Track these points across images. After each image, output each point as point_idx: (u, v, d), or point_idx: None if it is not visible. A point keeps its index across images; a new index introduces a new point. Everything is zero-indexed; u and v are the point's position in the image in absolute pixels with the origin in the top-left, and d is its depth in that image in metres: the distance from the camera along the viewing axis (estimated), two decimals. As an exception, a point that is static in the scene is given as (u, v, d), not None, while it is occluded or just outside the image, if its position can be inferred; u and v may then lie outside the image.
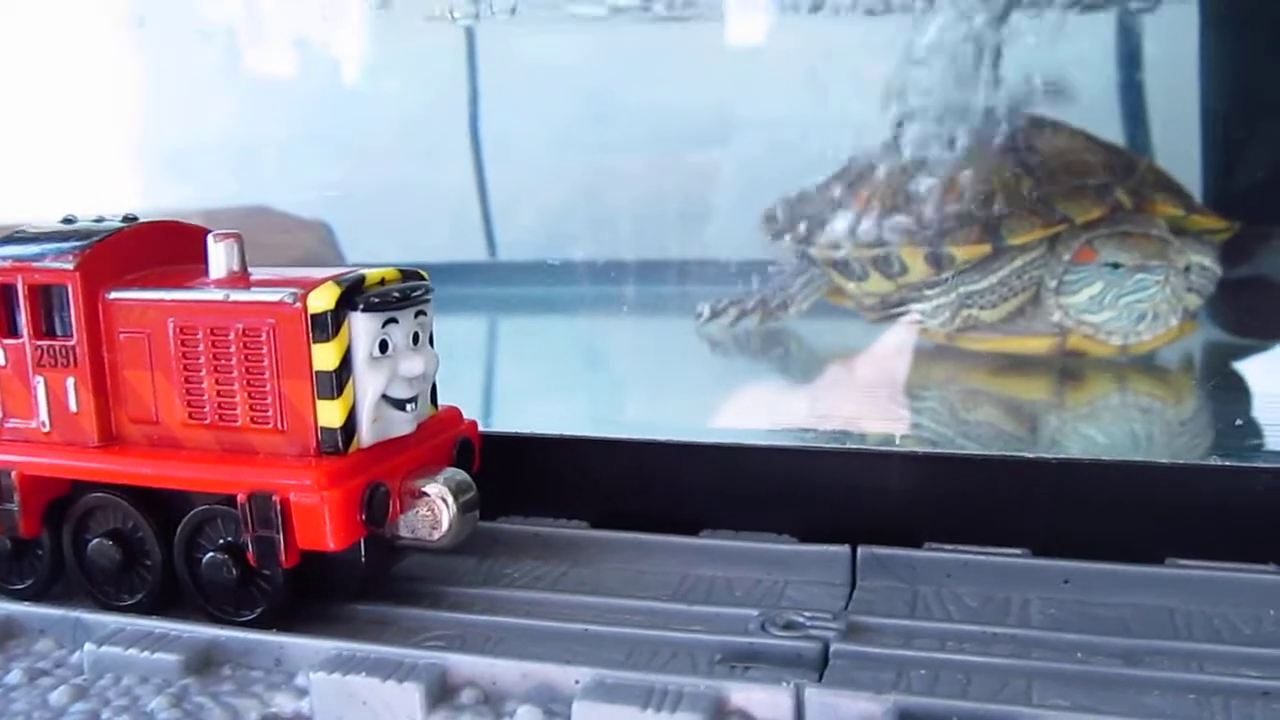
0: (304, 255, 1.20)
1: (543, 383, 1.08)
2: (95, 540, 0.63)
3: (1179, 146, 1.03)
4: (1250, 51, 1.01)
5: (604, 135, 1.20)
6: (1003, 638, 0.59)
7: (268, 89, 1.29)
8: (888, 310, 1.02)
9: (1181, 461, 0.67)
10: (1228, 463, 0.68)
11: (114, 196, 1.27)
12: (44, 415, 0.63)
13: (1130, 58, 1.05)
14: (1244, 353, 0.99)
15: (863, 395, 0.98)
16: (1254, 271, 0.98)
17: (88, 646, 0.59)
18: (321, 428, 0.59)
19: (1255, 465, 0.67)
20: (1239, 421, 0.86)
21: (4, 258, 0.63)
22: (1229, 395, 0.94)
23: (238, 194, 1.24)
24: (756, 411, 0.98)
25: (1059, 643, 0.58)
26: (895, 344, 1.02)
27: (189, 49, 1.27)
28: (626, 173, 1.23)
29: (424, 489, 0.61)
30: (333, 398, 0.58)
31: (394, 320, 0.60)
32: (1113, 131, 1.04)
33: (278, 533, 0.58)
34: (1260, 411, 0.89)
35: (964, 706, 0.51)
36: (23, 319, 0.63)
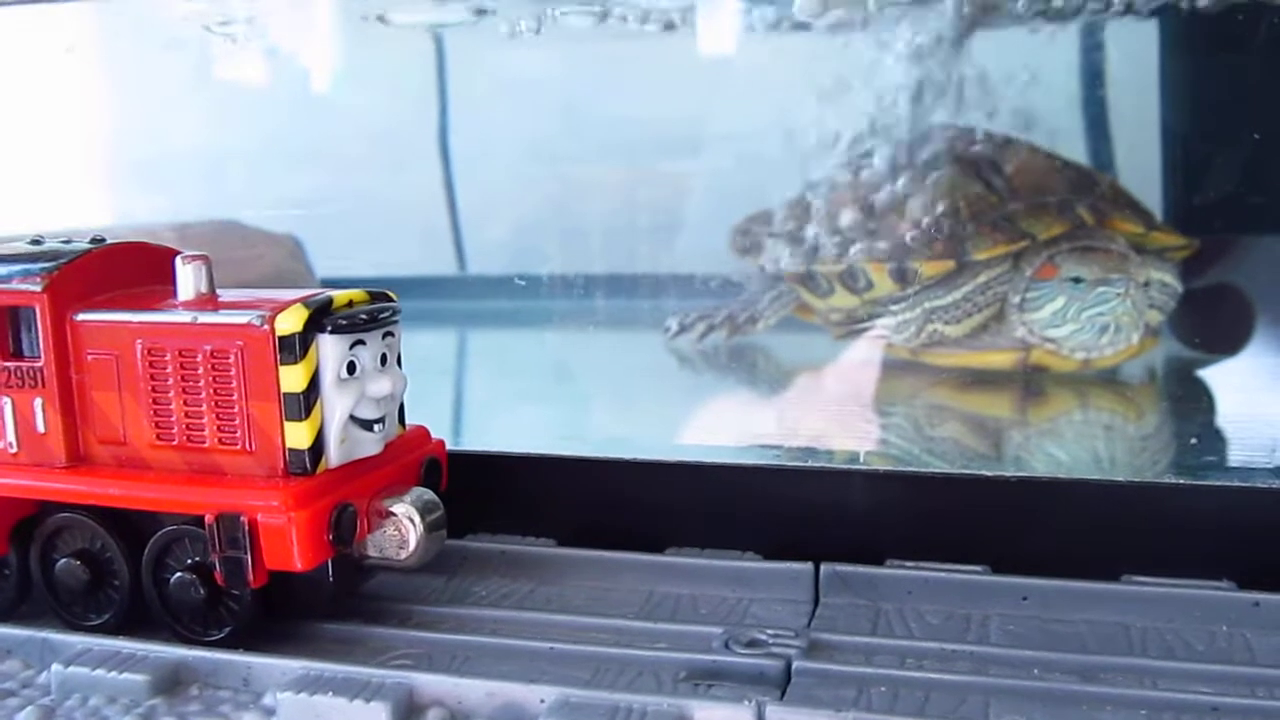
0: (273, 270, 1.20)
1: (511, 397, 1.09)
2: (63, 560, 0.63)
3: (1141, 164, 1.05)
4: (1209, 70, 1.03)
5: (574, 147, 1.21)
6: (962, 654, 0.60)
7: (237, 99, 1.29)
8: (854, 325, 1.03)
9: (1138, 480, 0.68)
10: (1183, 481, 0.69)
11: (83, 209, 1.27)
12: (11, 436, 0.63)
13: (1093, 75, 1.07)
14: (1202, 367, 1.00)
15: (829, 411, 0.99)
16: (1214, 281, 0.99)
17: (55, 667, 0.59)
18: (289, 449, 0.59)
19: (1210, 483, 0.68)
20: (1194, 440, 0.88)
21: (-29, 280, 0.64)
22: (1187, 411, 0.95)
23: (208, 206, 1.24)
24: (723, 427, 0.98)
25: (1017, 659, 0.59)
26: (861, 359, 1.03)
27: (158, 59, 1.27)
28: (597, 185, 1.24)
29: (391, 509, 0.61)
30: (300, 419, 0.59)
31: (361, 342, 0.60)
32: (1076, 149, 1.06)
33: (245, 553, 0.58)
34: (1217, 427, 0.91)
35: (922, 724, 0.52)
36: (-10, 340, 0.63)
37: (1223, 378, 0.99)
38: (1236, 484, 0.67)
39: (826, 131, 1.09)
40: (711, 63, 1.18)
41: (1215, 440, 0.88)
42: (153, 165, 1.27)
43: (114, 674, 0.58)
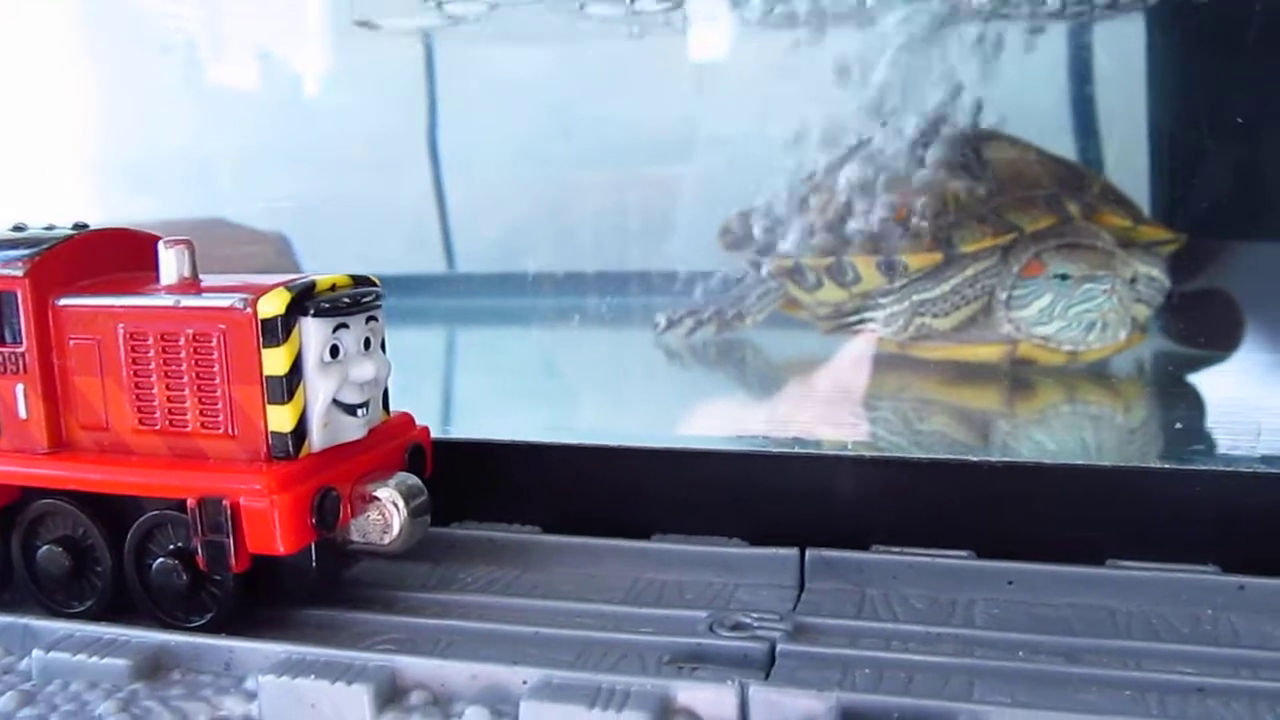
0: (261, 267, 1.19)
1: (501, 394, 1.09)
2: (45, 547, 0.63)
3: (1128, 161, 1.05)
4: (1197, 68, 1.03)
5: (565, 149, 1.21)
6: (947, 637, 0.60)
7: (226, 101, 1.29)
8: (842, 319, 1.03)
9: (1122, 464, 0.68)
10: (1168, 465, 0.69)
11: (70, 209, 1.26)
12: (-7, 422, 0.63)
13: (1081, 73, 1.07)
14: (1190, 362, 1.00)
15: (817, 405, 0.99)
16: (1204, 285, 0.99)
17: (36, 652, 0.59)
18: (272, 432, 0.59)
19: (1194, 468, 0.68)
20: (1178, 425, 0.88)
21: (-47, 265, 0.63)
22: (1173, 402, 0.95)
23: (195, 206, 1.23)
24: (712, 421, 0.98)
25: (1002, 642, 0.59)
26: (849, 353, 1.03)
27: (147, 61, 1.27)
28: (587, 186, 1.24)
29: (375, 493, 0.61)
30: (283, 403, 0.59)
31: (345, 325, 0.60)
32: (1063, 145, 1.06)
33: (228, 537, 0.58)
34: (1203, 416, 0.91)
35: (905, 703, 0.52)
36: (-29, 326, 0.63)
37: (1210, 371, 0.99)
38: (1221, 469, 0.67)
39: (818, 132, 1.09)
40: (703, 65, 1.18)
41: (1201, 428, 0.88)
42: (142, 166, 1.27)
43: (95, 659, 0.58)
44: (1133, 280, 0.94)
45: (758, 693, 0.52)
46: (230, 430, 0.60)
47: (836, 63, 1.07)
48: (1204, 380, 0.97)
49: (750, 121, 1.13)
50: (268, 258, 1.22)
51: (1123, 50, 1.07)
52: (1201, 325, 0.99)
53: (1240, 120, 0.91)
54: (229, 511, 0.58)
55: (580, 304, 1.16)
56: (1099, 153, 1.07)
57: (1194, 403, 0.94)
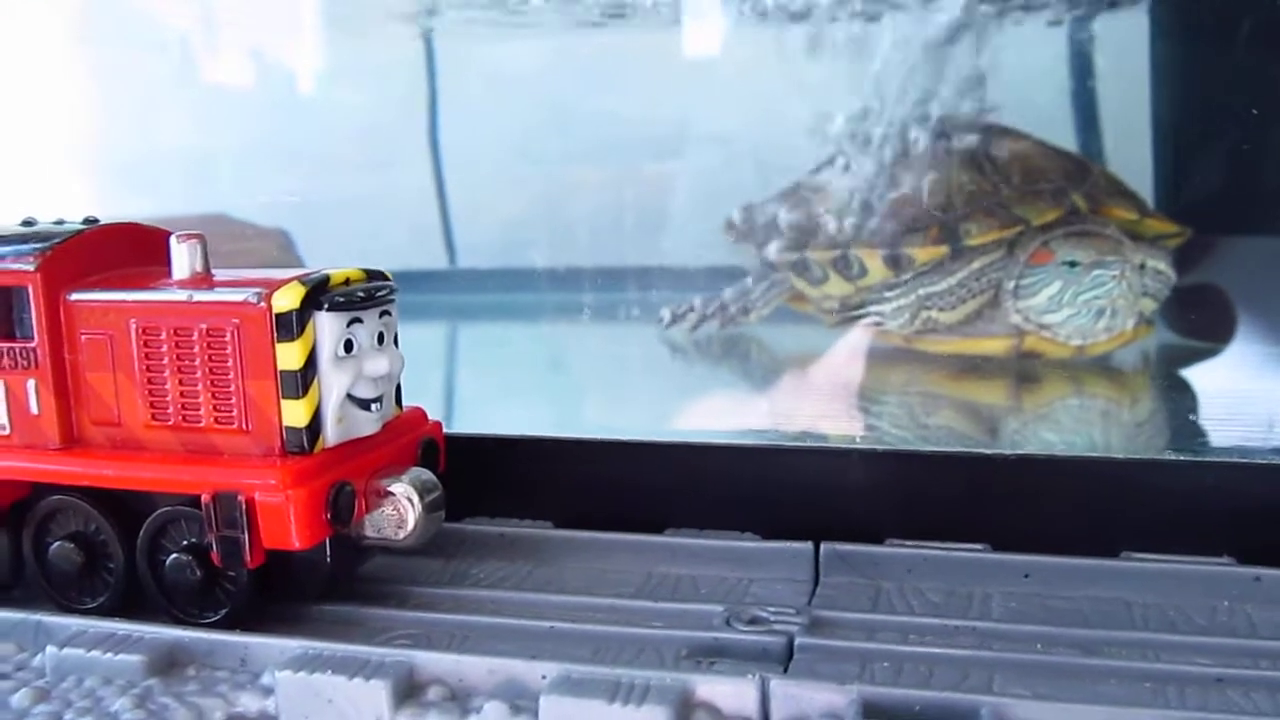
0: (263, 263, 1.19)
1: (504, 389, 1.09)
2: (56, 544, 0.63)
3: (1131, 156, 1.05)
4: (1200, 62, 1.03)
5: (563, 145, 1.21)
6: (964, 630, 0.60)
7: (225, 98, 1.29)
8: (847, 313, 1.03)
9: (1137, 456, 0.68)
10: (1183, 457, 0.69)
11: (69, 208, 1.26)
12: (4, 418, 0.63)
13: (1083, 68, 1.07)
14: (1194, 354, 1.00)
15: (823, 399, 0.99)
16: (1203, 278, 0.99)
17: (49, 649, 0.58)
18: (286, 427, 0.59)
19: (1207, 459, 0.68)
20: (1191, 416, 0.88)
21: (-36, 261, 0.63)
22: (1181, 395, 0.95)
23: (195, 203, 1.23)
24: (717, 416, 0.98)
25: (1019, 634, 0.59)
26: (855, 347, 1.03)
27: (144, 60, 1.26)
28: (585, 182, 1.24)
29: (389, 488, 0.61)
30: (297, 397, 0.58)
31: (359, 320, 0.60)
32: (1066, 139, 1.06)
33: (243, 532, 0.57)
34: (1212, 409, 0.91)
35: (926, 695, 0.51)
36: (-18, 321, 0.63)
37: (1215, 364, 0.99)
38: (1236, 460, 0.67)
39: (817, 127, 1.09)
40: (699, 61, 1.18)
41: (1211, 421, 0.88)
42: (141, 164, 1.26)
43: (110, 655, 0.57)
44: (1141, 268, 0.94)
45: (779, 686, 0.52)
46: (244, 425, 0.59)
47: (836, 57, 1.07)
48: (1210, 373, 0.97)
49: (748, 116, 1.13)
50: (269, 253, 1.22)
51: (1125, 44, 1.07)
52: (1199, 318, 0.99)
53: (1254, 112, 0.91)
54: (244, 507, 0.57)
55: (581, 299, 1.16)
56: (1101, 146, 1.07)
57: (1201, 396, 0.94)
